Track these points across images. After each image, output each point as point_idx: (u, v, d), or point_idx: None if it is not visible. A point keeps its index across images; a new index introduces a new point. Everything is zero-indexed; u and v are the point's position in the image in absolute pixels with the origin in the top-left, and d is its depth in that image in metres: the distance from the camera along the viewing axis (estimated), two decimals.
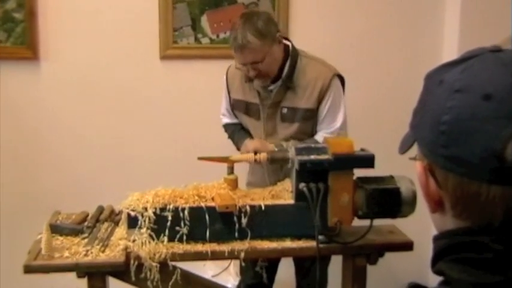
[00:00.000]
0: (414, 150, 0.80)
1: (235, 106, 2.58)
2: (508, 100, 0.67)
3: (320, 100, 2.41)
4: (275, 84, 2.44)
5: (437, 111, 0.71)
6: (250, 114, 2.53)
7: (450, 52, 3.13)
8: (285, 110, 2.44)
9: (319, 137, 2.43)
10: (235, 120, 2.67)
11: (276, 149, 2.30)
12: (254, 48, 2.29)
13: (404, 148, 0.81)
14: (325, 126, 2.44)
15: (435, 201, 0.74)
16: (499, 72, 0.69)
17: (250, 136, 2.57)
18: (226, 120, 2.70)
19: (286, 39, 2.50)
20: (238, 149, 2.57)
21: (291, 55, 2.43)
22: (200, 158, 2.39)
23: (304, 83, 2.41)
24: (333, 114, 2.44)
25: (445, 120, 0.70)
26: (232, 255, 2.09)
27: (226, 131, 2.70)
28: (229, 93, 2.59)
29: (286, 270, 2.73)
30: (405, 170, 1.86)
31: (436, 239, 0.76)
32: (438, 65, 0.77)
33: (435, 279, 0.76)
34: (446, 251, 0.73)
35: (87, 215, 2.36)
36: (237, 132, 2.63)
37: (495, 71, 0.70)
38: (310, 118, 2.43)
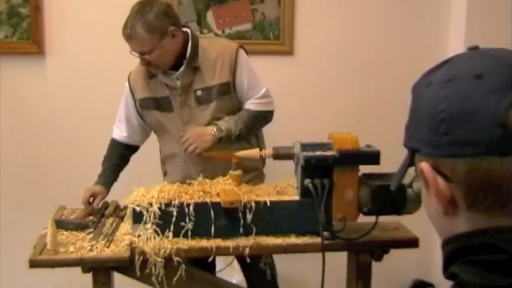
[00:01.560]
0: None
1: (143, 106, 2.50)
2: (500, 75, 0.68)
3: (233, 72, 2.41)
4: (179, 70, 2.40)
5: (432, 104, 0.72)
6: (161, 108, 2.46)
7: (456, 49, 3.12)
8: (199, 93, 2.41)
9: (250, 105, 2.44)
10: (122, 135, 2.59)
11: (215, 132, 2.35)
12: (141, 40, 2.28)
13: (399, 174, 0.83)
14: (251, 94, 2.45)
15: (448, 200, 0.73)
16: (484, 58, 0.71)
17: (112, 177, 2.53)
18: (116, 134, 2.61)
19: (185, 26, 2.49)
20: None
21: (192, 39, 2.41)
22: (205, 154, 2.40)
23: (212, 61, 2.40)
24: (254, 80, 2.46)
25: (443, 108, 0.70)
26: (237, 251, 2.08)
27: (108, 147, 2.61)
28: (133, 96, 2.52)
29: (285, 266, 2.73)
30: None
31: (446, 243, 0.75)
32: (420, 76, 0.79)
33: (440, 277, 0.75)
34: (458, 254, 0.72)
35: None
36: (106, 161, 2.58)
37: (479, 58, 0.72)
38: (227, 92, 2.41)
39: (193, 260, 2.20)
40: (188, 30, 2.46)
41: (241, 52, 2.46)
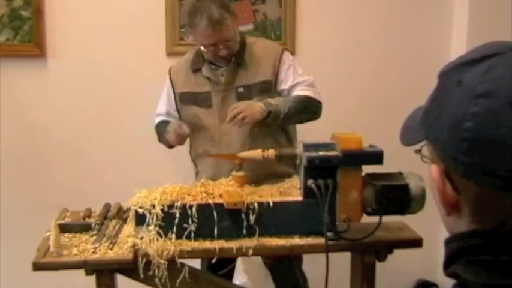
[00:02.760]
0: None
1: (182, 100, 2.50)
2: None
3: (276, 73, 2.41)
4: (225, 66, 2.41)
5: (457, 116, 0.68)
6: (199, 104, 2.46)
7: (458, 49, 3.11)
8: (240, 89, 2.40)
9: (299, 91, 2.41)
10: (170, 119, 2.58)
11: (264, 107, 2.29)
12: (228, 24, 2.28)
13: (411, 141, 0.78)
14: (299, 82, 2.43)
15: (451, 205, 0.72)
16: None
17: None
18: (160, 120, 2.61)
19: None
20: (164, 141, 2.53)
21: (240, 34, 2.42)
22: (208, 155, 2.39)
23: (256, 59, 2.40)
24: (300, 75, 2.44)
25: (468, 127, 0.66)
26: (240, 253, 2.08)
27: (158, 128, 2.60)
28: (173, 90, 2.53)
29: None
30: (414, 166, 1.85)
31: (448, 241, 0.74)
32: (454, 61, 0.73)
33: (444, 277, 0.74)
34: (460, 253, 0.71)
35: (91, 212, 2.35)
36: (162, 125, 2.56)
37: None
38: (267, 91, 2.40)
39: (212, 266, 2.25)
40: None
41: (286, 53, 2.47)
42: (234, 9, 2.34)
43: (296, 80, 2.42)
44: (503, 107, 0.65)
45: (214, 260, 2.05)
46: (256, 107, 2.32)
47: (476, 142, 0.66)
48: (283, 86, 2.42)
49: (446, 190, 0.72)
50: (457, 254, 0.71)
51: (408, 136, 0.80)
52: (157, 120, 2.62)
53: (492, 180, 0.66)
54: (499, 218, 0.68)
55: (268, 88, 2.41)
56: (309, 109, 2.43)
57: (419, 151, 0.78)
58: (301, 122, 2.48)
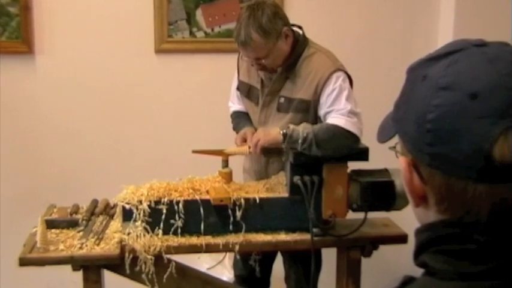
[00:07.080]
0: (393, 139, 0.80)
1: (239, 88, 2.49)
2: (495, 99, 0.66)
3: (319, 93, 2.24)
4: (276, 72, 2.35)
5: (422, 108, 0.71)
6: (251, 98, 2.45)
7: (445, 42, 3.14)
8: (282, 100, 2.32)
9: (329, 118, 2.20)
10: (241, 107, 2.56)
11: (280, 130, 2.16)
12: (257, 46, 2.19)
13: (384, 138, 0.81)
14: (334, 107, 2.21)
15: (419, 196, 0.74)
16: (485, 69, 0.68)
17: (250, 123, 2.46)
18: (235, 108, 2.59)
19: (298, 26, 2.39)
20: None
21: (298, 45, 2.31)
22: (195, 151, 2.40)
23: (305, 74, 2.28)
24: (342, 99, 2.20)
25: (431, 119, 0.69)
26: (226, 248, 2.10)
27: (232, 121, 2.58)
28: (238, 74, 2.50)
29: (276, 262, 2.73)
30: (400, 163, 1.86)
31: (418, 232, 0.76)
32: (421, 58, 0.76)
33: None
34: (429, 243, 0.73)
35: (78, 208, 2.36)
36: (237, 118, 2.54)
37: (481, 67, 0.69)
38: (303, 110, 2.27)
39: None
40: (300, 33, 2.37)
41: (336, 75, 2.24)
42: (279, 28, 2.22)
43: (332, 106, 2.20)
44: (463, 99, 0.68)
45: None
46: (272, 131, 2.23)
47: (438, 133, 0.69)
48: (320, 111, 2.25)
49: (414, 181, 0.74)
50: (426, 244, 0.74)
51: (383, 133, 0.82)
52: (230, 109, 2.61)
53: (454, 169, 0.68)
54: (464, 207, 0.69)
55: (305, 108, 2.26)
56: (335, 139, 2.14)
57: (393, 148, 0.80)
58: (335, 153, 2.16)
